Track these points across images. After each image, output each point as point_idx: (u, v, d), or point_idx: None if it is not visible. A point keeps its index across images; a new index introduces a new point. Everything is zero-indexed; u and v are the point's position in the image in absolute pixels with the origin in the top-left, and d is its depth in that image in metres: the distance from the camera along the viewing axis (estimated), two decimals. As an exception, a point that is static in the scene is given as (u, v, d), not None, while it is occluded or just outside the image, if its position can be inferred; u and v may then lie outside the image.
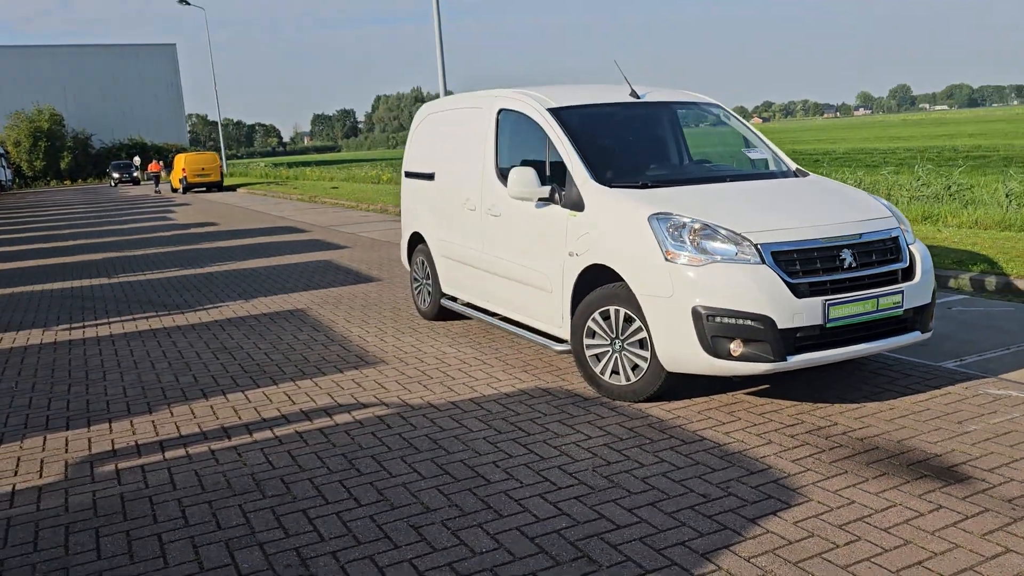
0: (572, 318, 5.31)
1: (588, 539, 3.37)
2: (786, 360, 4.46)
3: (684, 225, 4.68)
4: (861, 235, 4.75)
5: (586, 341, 5.20)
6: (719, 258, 4.53)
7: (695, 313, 4.50)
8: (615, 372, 5.08)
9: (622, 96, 6.16)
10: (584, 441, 4.44)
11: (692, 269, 4.55)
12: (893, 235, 4.88)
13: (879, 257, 4.76)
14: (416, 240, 7.86)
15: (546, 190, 5.50)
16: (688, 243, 4.62)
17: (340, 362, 6.35)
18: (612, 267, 4.95)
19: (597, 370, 5.16)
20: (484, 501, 3.77)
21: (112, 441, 4.85)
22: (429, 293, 7.57)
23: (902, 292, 4.74)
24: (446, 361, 6.21)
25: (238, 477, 4.20)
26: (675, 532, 3.40)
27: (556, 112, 5.79)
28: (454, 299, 7.28)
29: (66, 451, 4.74)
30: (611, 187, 5.22)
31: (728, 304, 4.44)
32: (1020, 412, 4.56)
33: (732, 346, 4.46)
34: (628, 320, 4.95)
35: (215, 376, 6.15)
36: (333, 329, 7.54)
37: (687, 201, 4.97)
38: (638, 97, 6.17)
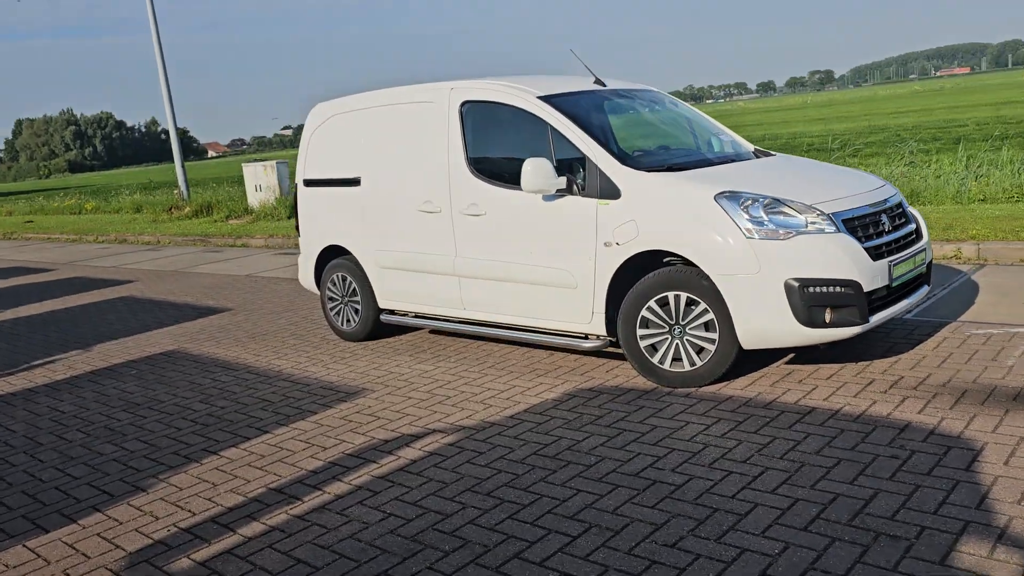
0: (618, 311, 5.09)
1: (857, 517, 3.25)
2: (868, 321, 4.66)
3: (756, 201, 4.70)
4: (886, 200, 5.10)
5: (639, 332, 5.01)
6: (804, 230, 4.60)
7: (789, 286, 4.53)
8: (676, 359, 4.95)
9: (589, 85, 6.02)
10: (706, 430, 4.27)
11: (778, 243, 4.58)
12: (899, 200, 5.31)
13: (900, 220, 5.15)
14: (330, 255, 7.04)
15: (563, 181, 5.21)
16: (766, 218, 4.64)
17: (310, 399, 5.50)
18: (676, 251, 4.82)
19: (655, 360, 4.99)
20: (710, 507, 3.48)
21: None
22: (356, 312, 6.82)
23: (924, 249, 5.19)
24: (441, 379, 5.64)
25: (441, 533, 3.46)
26: (929, 494, 3.38)
27: (551, 100, 5.51)
28: (394, 312, 6.64)
29: None
30: (649, 171, 5.08)
31: (821, 273, 4.53)
32: None
33: (826, 314, 4.56)
34: (690, 304, 4.85)
35: (173, 437, 5.02)
36: (252, 364, 6.51)
37: (732, 179, 4.99)
38: (604, 85, 6.08)
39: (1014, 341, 5.24)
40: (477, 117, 5.87)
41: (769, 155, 5.95)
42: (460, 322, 6.17)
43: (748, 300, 4.62)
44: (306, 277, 7.31)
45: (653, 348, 5.00)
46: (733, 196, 4.73)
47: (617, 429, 4.41)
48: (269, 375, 6.18)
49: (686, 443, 4.12)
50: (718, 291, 4.74)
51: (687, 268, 4.87)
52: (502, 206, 5.59)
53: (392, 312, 6.68)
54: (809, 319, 4.54)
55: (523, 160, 6.02)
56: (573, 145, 5.28)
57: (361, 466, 4.25)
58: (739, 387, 4.87)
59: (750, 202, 4.69)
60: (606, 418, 4.59)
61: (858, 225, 4.78)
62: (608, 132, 5.58)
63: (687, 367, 4.92)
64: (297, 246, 8.23)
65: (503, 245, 5.62)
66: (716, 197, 4.74)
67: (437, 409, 5.03)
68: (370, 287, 6.68)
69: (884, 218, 4.96)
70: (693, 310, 4.85)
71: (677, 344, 4.94)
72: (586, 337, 5.45)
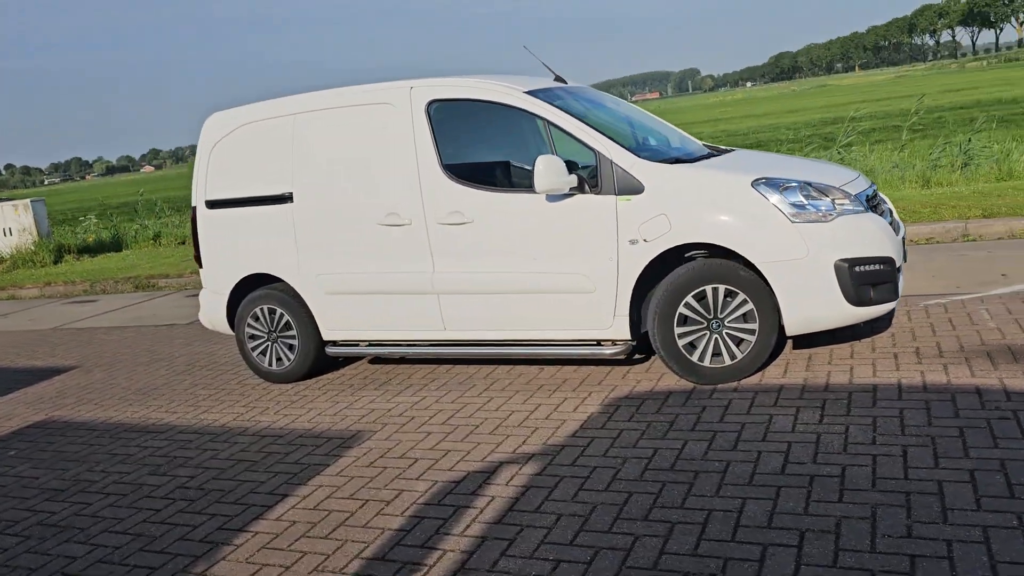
0: (651, 311, 4.83)
1: (1046, 478, 3.26)
2: (898, 296, 4.80)
3: (791, 186, 4.66)
4: (871, 184, 5.32)
5: (678, 330, 4.79)
6: (840, 211, 4.64)
7: (839, 267, 4.54)
8: (716, 354, 4.79)
9: (551, 82, 5.72)
10: (800, 421, 4.13)
11: (821, 225, 4.57)
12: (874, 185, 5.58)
13: (881, 203, 5.40)
14: (247, 287, 6.06)
15: (574, 179, 4.87)
16: (806, 202, 4.62)
17: (305, 450, 4.66)
18: (717, 243, 4.65)
19: (695, 357, 4.79)
20: (902, 491, 3.32)
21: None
22: (291, 348, 5.93)
23: (902, 228, 5.48)
24: (446, 408, 5.02)
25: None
26: (1081, 446, 3.49)
27: (540, 95, 5.14)
28: (338, 344, 5.85)
29: None
30: (671, 164, 4.89)
31: (864, 252, 4.59)
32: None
33: (871, 292, 4.63)
34: (728, 296, 4.72)
35: (163, 522, 3.98)
36: (175, 423, 5.41)
37: (752, 167, 4.94)
38: (565, 82, 5.82)
39: (971, 305, 5.70)
40: (449, 117, 5.34)
41: (731, 150, 6.00)
42: (437, 344, 5.55)
43: (798, 285, 4.58)
44: (214, 315, 6.23)
45: (692, 346, 4.80)
46: (770, 182, 4.67)
47: (706, 432, 4.14)
48: (215, 432, 5.16)
49: (796, 435, 3.96)
50: (758, 280, 4.65)
51: (721, 259, 4.74)
52: (494, 212, 5.11)
53: (337, 344, 5.88)
54: (858, 298, 4.59)
55: (513, 161, 5.60)
56: (579, 141, 4.95)
57: (459, 515, 3.61)
58: (777, 376, 4.81)
59: (786, 187, 4.66)
60: (680, 422, 4.30)
61: (871, 206, 4.93)
62: (608, 127, 5.31)
63: (728, 361, 4.77)
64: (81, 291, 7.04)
65: (497, 254, 5.13)
66: (754, 184, 4.65)
67: (479, 440, 4.44)
68: (310, 317, 5.83)
69: (877, 201, 5.17)
70: (731, 302, 4.72)
71: (716, 339, 4.77)
72: (598, 343, 5.11)
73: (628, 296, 4.88)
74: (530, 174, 5.27)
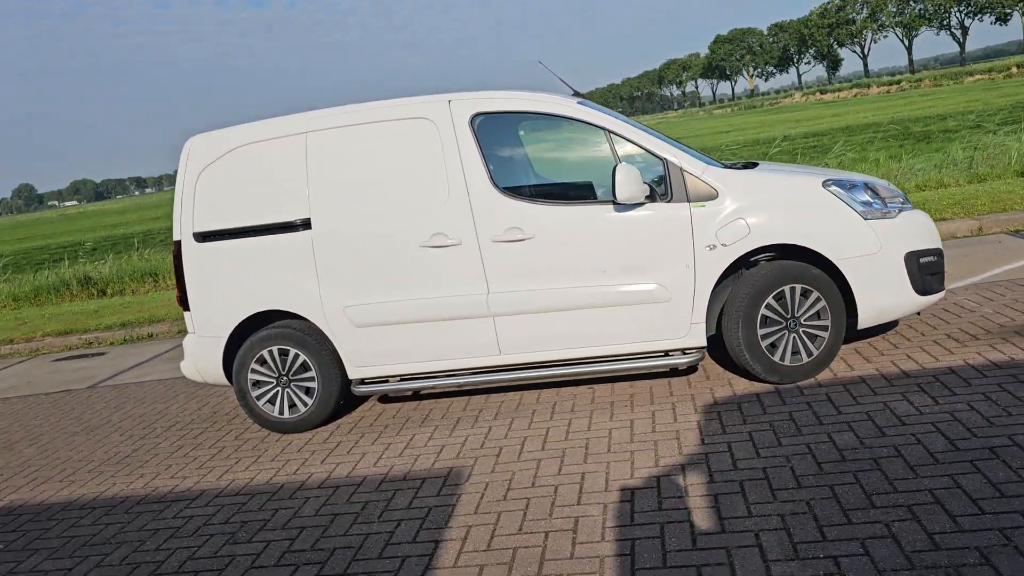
0: (733, 315, 4.83)
1: None
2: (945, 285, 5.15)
3: (856, 185, 4.89)
4: None
5: (760, 331, 4.83)
6: (897, 208, 4.92)
7: (908, 259, 4.80)
8: (795, 352, 4.88)
9: (574, 97, 5.64)
10: (922, 405, 4.29)
11: (888, 222, 4.82)
12: None
13: None
14: (251, 326, 5.39)
15: (647, 188, 4.81)
16: (871, 200, 4.86)
17: (416, 496, 4.18)
18: (797, 243, 4.75)
19: (776, 357, 4.86)
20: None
21: None
22: (308, 391, 5.33)
23: None
24: (535, 436, 4.71)
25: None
26: None
27: (590, 106, 5.05)
28: (364, 382, 5.34)
29: None
30: (738, 170, 4.96)
31: (924, 244, 4.89)
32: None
33: (933, 282, 4.93)
34: (804, 295, 4.84)
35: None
36: (205, 487, 4.66)
37: (809, 171, 5.14)
38: (582, 95, 5.76)
39: (980, 290, 6.25)
40: (495, 131, 5.11)
41: (755, 163, 6.17)
42: (487, 372, 5.21)
43: (872, 279, 4.79)
44: (206, 364, 5.46)
45: (773, 346, 4.86)
46: (838, 182, 4.87)
47: (838, 423, 4.18)
48: (265, 490, 4.49)
49: (930, 416, 4.09)
50: (827, 278, 4.81)
51: (792, 260, 4.86)
52: (557, 226, 4.92)
53: (365, 382, 5.36)
54: (924, 288, 4.88)
55: (575, 173, 5.46)
56: (645, 150, 4.90)
57: (672, 531, 3.37)
58: (844, 370, 4.98)
59: (852, 186, 4.89)
60: (800, 419, 4.32)
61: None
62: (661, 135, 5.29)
63: (805, 359, 4.88)
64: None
65: (561, 269, 4.94)
66: (824, 184, 4.84)
67: (606, 459, 4.19)
68: (334, 355, 5.28)
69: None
70: (806, 301, 4.85)
71: (794, 337, 4.87)
72: (666, 353, 5.05)
73: (705, 302, 4.87)
74: (591, 186, 5.15)
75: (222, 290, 5.32)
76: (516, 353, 5.09)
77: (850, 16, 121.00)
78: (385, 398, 5.87)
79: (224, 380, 5.50)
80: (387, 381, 5.34)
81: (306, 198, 5.18)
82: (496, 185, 4.99)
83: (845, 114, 41.91)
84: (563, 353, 5.06)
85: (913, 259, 4.83)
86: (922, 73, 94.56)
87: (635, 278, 4.88)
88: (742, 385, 4.98)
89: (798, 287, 4.81)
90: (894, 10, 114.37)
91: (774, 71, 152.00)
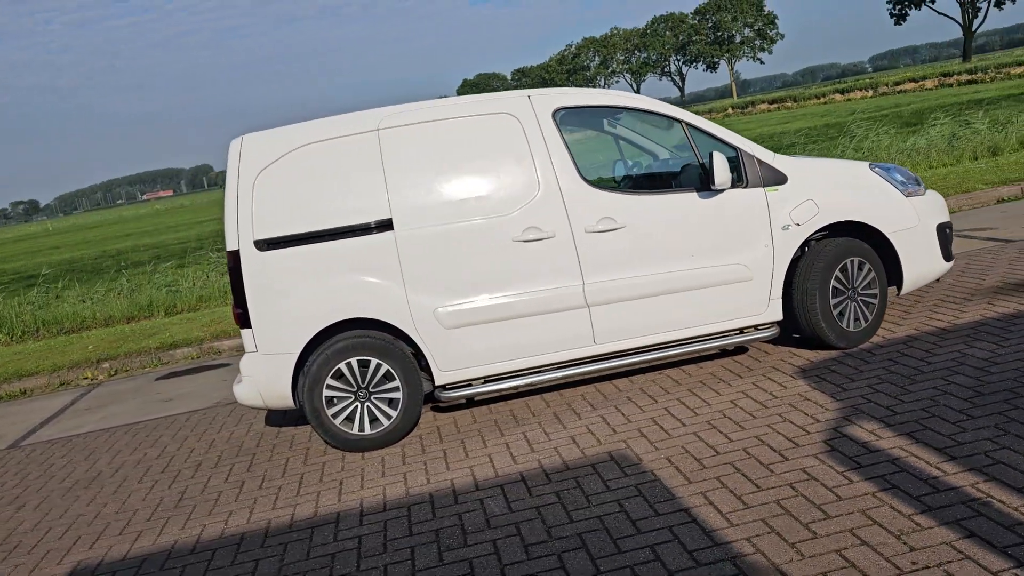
0: (808, 288, 5.25)
1: None
2: (951, 254, 5.94)
3: (890, 168, 5.54)
4: None
5: (832, 301, 5.30)
6: (921, 185, 5.62)
7: (939, 230, 5.51)
8: (856, 319, 5.40)
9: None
10: (1003, 352, 4.94)
11: (919, 199, 5.51)
12: None
13: None
14: (322, 338, 4.99)
15: (732, 176, 5.15)
16: (905, 180, 5.52)
17: (613, 485, 4.12)
18: (858, 219, 5.28)
19: (844, 324, 5.35)
20: None
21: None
22: (391, 403, 5.03)
23: None
24: (669, 423, 4.80)
25: None
26: None
27: (659, 103, 5.31)
28: (445, 387, 5.15)
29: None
30: (794, 157, 5.41)
31: (944, 218, 5.63)
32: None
33: (951, 250, 5.67)
34: (859, 267, 5.39)
35: None
36: (355, 505, 4.26)
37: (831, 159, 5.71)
38: None
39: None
40: (576, 125, 5.20)
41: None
42: (582, 363, 5.22)
43: (915, 248, 5.44)
44: (272, 385, 4.97)
45: (841, 315, 5.35)
46: (880, 165, 5.50)
47: (950, 366, 4.72)
48: (404, 504, 4.20)
49: (1020, 355, 4.75)
50: (873, 251, 5.41)
51: (848, 237, 5.40)
52: (646, 214, 5.11)
53: (448, 388, 5.16)
54: (947, 255, 5.61)
55: (654, 164, 5.66)
56: (719, 140, 5.24)
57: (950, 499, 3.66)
58: (887, 334, 5.59)
59: (888, 168, 5.53)
60: (913, 369, 4.81)
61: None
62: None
63: (864, 324, 5.42)
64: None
65: (653, 256, 5.11)
66: (871, 167, 5.44)
67: (779, 433, 4.40)
68: (422, 361, 5.05)
69: None
70: (861, 272, 5.40)
71: (854, 306, 5.40)
72: (740, 331, 5.38)
73: (782, 279, 5.27)
74: (675, 175, 5.40)
75: (291, 302, 4.90)
76: (610, 342, 5.17)
77: (585, 63, 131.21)
78: (437, 408, 5.64)
79: (290, 402, 5.03)
80: (470, 385, 5.17)
81: (384, 198, 4.94)
82: (583, 177, 5.08)
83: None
84: (653, 338, 5.22)
85: (941, 230, 5.56)
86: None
87: (721, 260, 5.17)
88: (806, 355, 5.40)
89: (856, 260, 5.35)
90: (623, 58, 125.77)
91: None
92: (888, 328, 5.67)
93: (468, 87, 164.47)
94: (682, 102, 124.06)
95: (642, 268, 5.10)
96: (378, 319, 4.96)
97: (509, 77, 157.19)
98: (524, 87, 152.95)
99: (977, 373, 4.55)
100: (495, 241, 4.97)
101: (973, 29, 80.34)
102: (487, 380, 5.19)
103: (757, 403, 4.71)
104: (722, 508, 3.57)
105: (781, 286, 5.28)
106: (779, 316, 5.33)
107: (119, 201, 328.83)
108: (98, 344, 9.99)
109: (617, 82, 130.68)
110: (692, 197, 5.14)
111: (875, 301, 5.42)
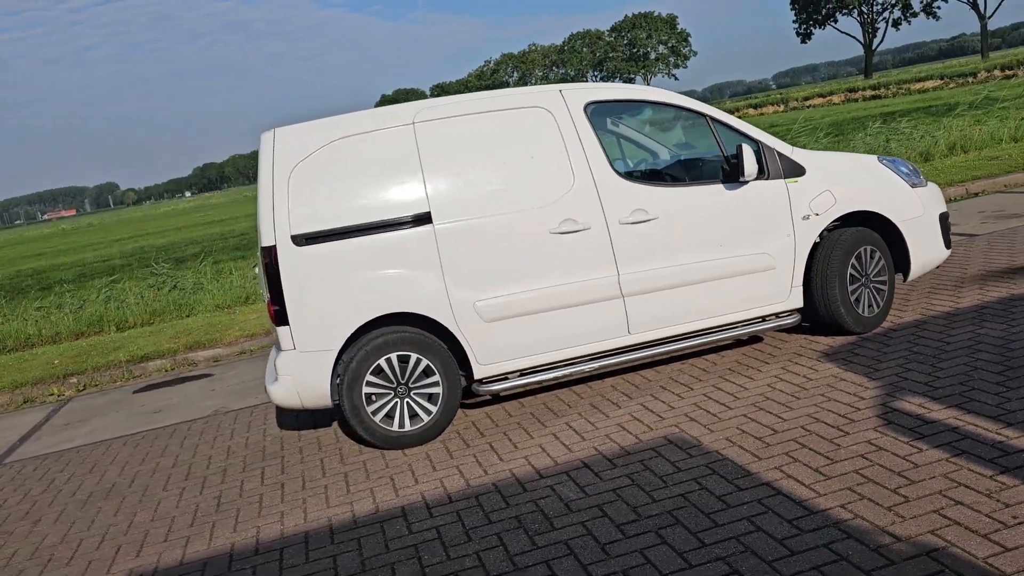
0: (829, 275, 5.44)
1: None
2: (941, 244, 6.24)
3: (895, 160, 5.80)
4: None
5: (849, 288, 5.51)
6: (922, 178, 5.91)
7: (941, 219, 5.79)
8: (870, 305, 5.62)
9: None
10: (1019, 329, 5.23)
11: (923, 189, 5.78)
12: None
13: None
14: (359, 335, 4.91)
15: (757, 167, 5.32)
16: (909, 172, 5.79)
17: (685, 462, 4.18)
18: (871, 209, 5.51)
19: (859, 310, 5.56)
20: None
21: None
22: (431, 398, 4.99)
23: None
24: (713, 407, 4.90)
25: None
26: None
27: (684, 98, 5.45)
28: (481, 381, 5.14)
29: None
30: (806, 150, 5.61)
31: (943, 208, 5.91)
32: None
33: (950, 238, 5.97)
34: (871, 255, 5.63)
35: None
36: (416, 500, 4.20)
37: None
38: None
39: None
40: (606, 118, 5.29)
41: None
42: (615, 354, 5.28)
43: (921, 236, 5.71)
44: (310, 384, 4.85)
45: (856, 301, 5.57)
46: (886, 158, 5.75)
47: (971, 346, 4.96)
48: (483, 492, 4.17)
49: None
50: (885, 240, 5.66)
51: (859, 227, 5.63)
52: (677, 205, 5.22)
53: (484, 381, 5.14)
54: (947, 243, 5.90)
55: (682, 156, 5.78)
56: (742, 134, 5.40)
57: None
58: (895, 320, 5.84)
59: (894, 161, 5.80)
60: (936, 347, 5.04)
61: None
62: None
63: (876, 310, 5.65)
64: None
65: (684, 247, 5.23)
66: (879, 160, 5.69)
67: (829, 411, 4.55)
68: (461, 355, 5.03)
69: None
70: (872, 260, 5.64)
71: (868, 292, 5.62)
72: (763, 319, 5.54)
73: (803, 267, 5.45)
74: (701, 167, 5.53)
75: (330, 297, 4.81)
76: (643, 332, 5.25)
77: (504, 79, 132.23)
78: (463, 406, 5.61)
79: (328, 401, 4.92)
80: (506, 378, 5.17)
81: (422, 192, 4.91)
82: (615, 170, 5.17)
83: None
84: (683, 327, 5.32)
85: (943, 219, 5.86)
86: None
87: (747, 249, 5.32)
88: (823, 342, 5.60)
89: (868, 248, 5.58)
90: (541, 74, 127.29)
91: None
92: (894, 315, 5.92)
93: (386, 102, 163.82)
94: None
95: (673, 258, 5.20)
96: (420, 313, 4.91)
97: (428, 93, 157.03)
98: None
99: (999, 351, 4.80)
100: (533, 233, 5.00)
101: (873, 48, 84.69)
102: (523, 373, 5.19)
103: (795, 386, 4.85)
104: (803, 480, 3.67)
105: (802, 274, 5.46)
106: (800, 303, 5.51)
107: (17, 222, 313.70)
108: (61, 360, 9.53)
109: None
110: (719, 189, 5.28)
111: (885, 288, 5.66)
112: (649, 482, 3.92)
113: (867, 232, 5.57)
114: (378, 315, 4.84)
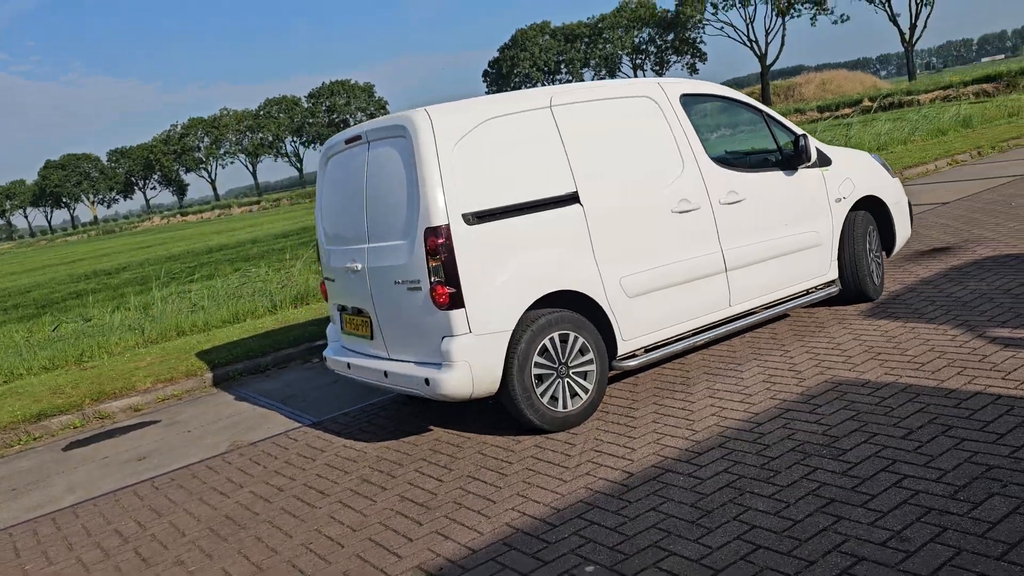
0: (859, 252, 6.32)
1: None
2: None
3: (875, 156, 6.91)
4: None
5: (869, 256, 6.45)
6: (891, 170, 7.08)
7: (909, 203, 6.99)
8: (877, 275, 6.61)
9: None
10: (1013, 281, 6.43)
11: (896, 179, 6.94)
12: None
13: None
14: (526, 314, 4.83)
15: None
16: (886, 165, 6.92)
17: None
18: (875, 195, 6.52)
19: (875, 281, 6.53)
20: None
21: None
22: (585, 376, 5.02)
23: None
24: (812, 372, 5.45)
25: None
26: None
27: (745, 96, 6.10)
28: (626, 356, 5.30)
29: None
30: (825, 144, 6.51)
31: (906, 196, 7.15)
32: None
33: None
34: (873, 234, 6.64)
35: None
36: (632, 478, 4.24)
37: None
38: None
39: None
40: (694, 110, 5.77)
41: None
42: (717, 325, 5.68)
43: (900, 216, 6.84)
44: (488, 367, 4.66)
45: (872, 273, 6.53)
46: (873, 154, 6.83)
47: (980, 296, 6.06)
48: (716, 441, 4.35)
49: (1016, 282, 6.27)
50: (880, 220, 6.74)
51: (871, 205, 6.64)
52: (757, 188, 5.82)
53: (619, 357, 5.28)
54: (912, 222, 7.12)
55: (749, 145, 6.38)
56: (788, 129, 6.17)
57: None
58: (895, 288, 6.90)
59: (877, 157, 6.91)
60: (952, 302, 6.08)
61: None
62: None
63: (877, 282, 6.65)
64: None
65: (763, 225, 5.83)
66: (871, 155, 6.76)
67: (939, 369, 5.30)
68: (611, 331, 5.14)
69: None
70: (874, 237, 6.65)
71: (875, 266, 6.61)
72: (806, 292, 6.29)
73: (838, 243, 6.30)
74: (771, 155, 6.19)
75: (504, 276, 4.70)
76: (739, 304, 5.73)
77: (195, 143, 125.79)
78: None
79: (495, 388, 4.76)
80: (634, 356, 5.34)
81: (568, 171, 5.02)
82: (709, 155, 5.66)
83: (230, 231, 41.95)
84: (766, 299, 5.90)
85: (909, 204, 7.08)
86: (280, 194, 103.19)
87: (805, 228, 6.06)
88: (847, 311, 6.44)
89: (873, 227, 6.60)
90: (234, 139, 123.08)
91: (118, 197, 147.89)
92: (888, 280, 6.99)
93: (53, 168, 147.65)
94: (302, 182, 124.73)
95: (758, 235, 5.77)
96: (578, 291, 4.95)
97: (105, 159, 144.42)
98: (120, 169, 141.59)
99: (1017, 291, 5.95)
100: (660, 212, 5.29)
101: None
102: (647, 349, 5.39)
103: (877, 337, 5.59)
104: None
105: (838, 249, 6.30)
106: (836, 275, 6.34)
107: None
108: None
109: (232, 163, 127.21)
110: (780, 175, 5.97)
111: (881, 260, 6.71)
112: (897, 411, 4.37)
113: (870, 215, 6.58)
114: (546, 293, 4.82)
